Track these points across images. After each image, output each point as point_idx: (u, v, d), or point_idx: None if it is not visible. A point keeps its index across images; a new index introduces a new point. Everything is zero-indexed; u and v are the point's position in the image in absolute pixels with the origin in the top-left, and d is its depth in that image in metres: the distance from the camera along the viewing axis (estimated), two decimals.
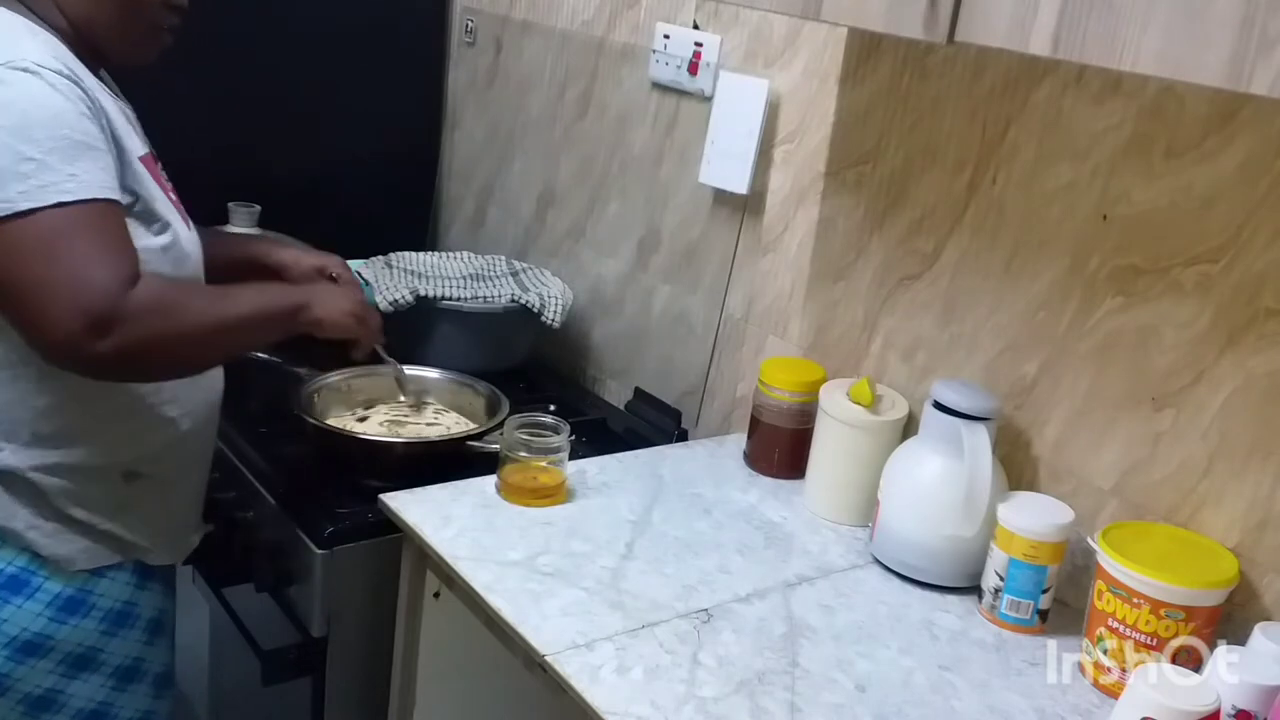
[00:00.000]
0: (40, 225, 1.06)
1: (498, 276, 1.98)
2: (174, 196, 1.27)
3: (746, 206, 1.70)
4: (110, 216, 1.11)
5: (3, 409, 1.17)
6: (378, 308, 1.80)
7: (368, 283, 1.87)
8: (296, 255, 1.52)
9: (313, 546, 1.42)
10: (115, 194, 1.12)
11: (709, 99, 1.73)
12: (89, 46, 1.20)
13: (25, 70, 1.09)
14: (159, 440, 1.27)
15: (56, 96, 1.09)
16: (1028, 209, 1.33)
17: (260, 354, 1.62)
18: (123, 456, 1.24)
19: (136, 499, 1.27)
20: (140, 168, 1.20)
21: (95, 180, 1.10)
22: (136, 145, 1.22)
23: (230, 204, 1.99)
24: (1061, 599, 1.26)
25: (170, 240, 1.22)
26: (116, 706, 1.28)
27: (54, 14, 1.18)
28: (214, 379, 1.35)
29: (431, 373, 1.77)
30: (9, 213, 1.05)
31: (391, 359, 1.63)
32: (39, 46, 1.12)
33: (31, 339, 1.10)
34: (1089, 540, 1.18)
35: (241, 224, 2.00)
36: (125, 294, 1.08)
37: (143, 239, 1.17)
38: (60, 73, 1.11)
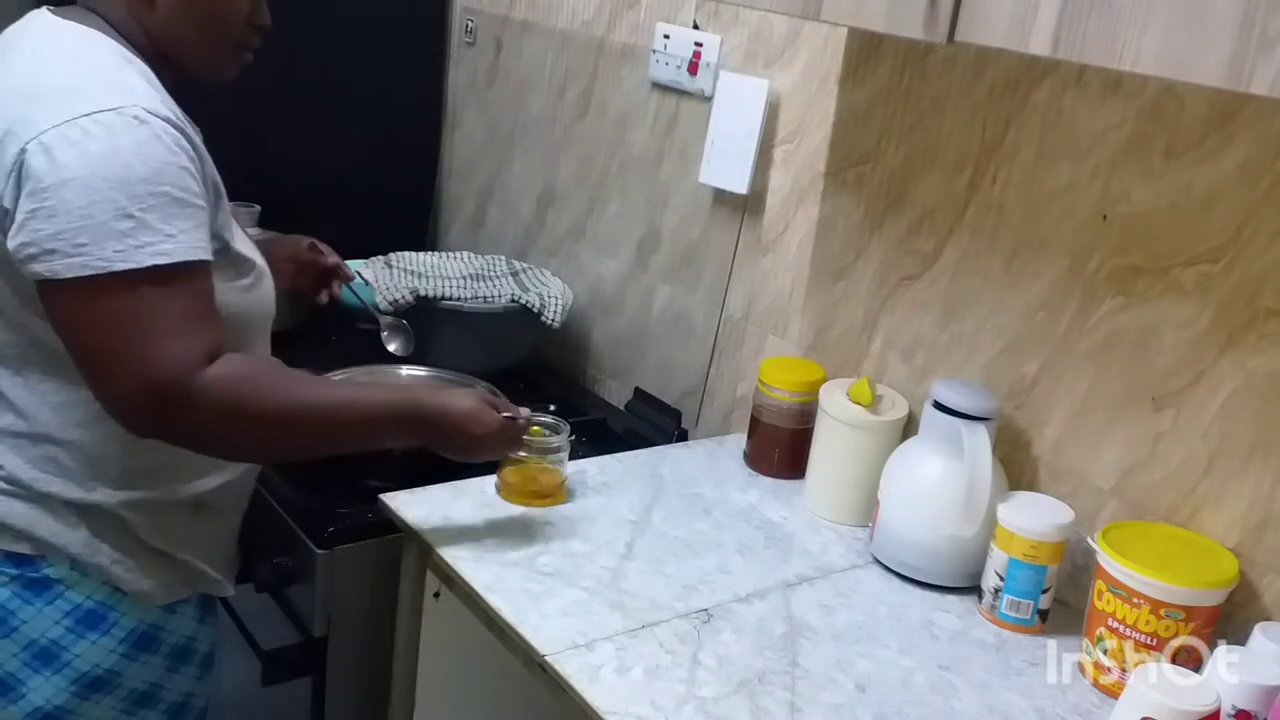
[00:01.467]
0: (129, 289, 1.03)
1: (498, 276, 1.98)
2: (247, 235, 1.26)
3: (746, 206, 1.70)
4: (201, 281, 1.09)
5: (94, 445, 1.15)
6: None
7: (367, 283, 1.87)
8: (276, 247, 1.51)
9: (313, 546, 1.42)
10: (208, 254, 1.09)
11: (709, 99, 1.73)
12: (168, 63, 1.17)
13: (135, 118, 1.05)
14: (226, 472, 1.26)
15: (161, 149, 1.06)
16: (1028, 209, 1.33)
17: None
18: (197, 489, 1.23)
19: (200, 528, 1.25)
20: (228, 208, 1.19)
21: (191, 241, 1.06)
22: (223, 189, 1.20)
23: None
24: (1061, 599, 1.26)
25: (253, 280, 1.21)
26: None
27: (135, 30, 1.15)
28: None
29: (432, 373, 1.77)
30: (103, 272, 1.02)
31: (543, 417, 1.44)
32: (145, 87, 1.09)
33: (99, 400, 1.08)
34: (1089, 540, 1.18)
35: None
36: (197, 373, 1.05)
37: (230, 281, 1.16)
38: (169, 121, 1.07)
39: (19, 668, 1.16)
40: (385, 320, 1.70)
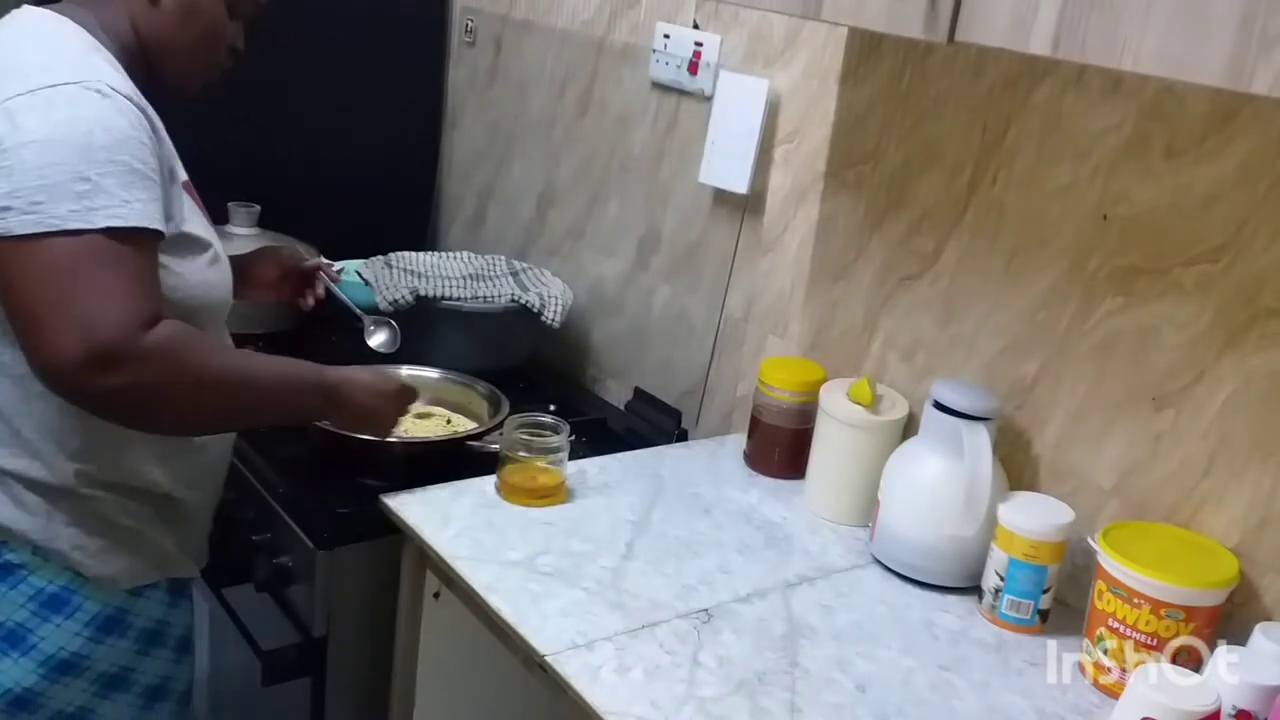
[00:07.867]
0: (81, 248, 1.05)
1: (498, 276, 1.98)
2: (210, 223, 1.27)
3: (746, 206, 1.70)
4: (149, 251, 1.10)
5: (45, 419, 1.15)
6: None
7: (367, 282, 1.86)
8: (257, 257, 1.53)
9: (313, 546, 1.42)
10: (161, 226, 1.11)
11: (709, 99, 1.73)
12: (146, 65, 1.20)
13: (98, 91, 1.09)
14: (189, 466, 1.26)
15: (122, 121, 1.09)
16: (1028, 209, 1.33)
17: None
18: (156, 478, 1.23)
19: (171, 513, 1.26)
20: (184, 194, 1.21)
21: (146, 210, 1.09)
22: (181, 172, 1.22)
23: (230, 204, 1.99)
24: (1061, 599, 1.26)
25: (209, 261, 1.22)
26: None
27: (124, 27, 1.19)
28: None
29: (431, 373, 1.77)
30: (56, 229, 1.04)
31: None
32: (109, 70, 1.13)
33: (33, 360, 1.07)
34: (1089, 540, 1.18)
35: (241, 224, 2.00)
36: (140, 334, 1.06)
37: (182, 265, 1.17)
38: (130, 99, 1.11)
39: None
40: (369, 317, 1.69)
